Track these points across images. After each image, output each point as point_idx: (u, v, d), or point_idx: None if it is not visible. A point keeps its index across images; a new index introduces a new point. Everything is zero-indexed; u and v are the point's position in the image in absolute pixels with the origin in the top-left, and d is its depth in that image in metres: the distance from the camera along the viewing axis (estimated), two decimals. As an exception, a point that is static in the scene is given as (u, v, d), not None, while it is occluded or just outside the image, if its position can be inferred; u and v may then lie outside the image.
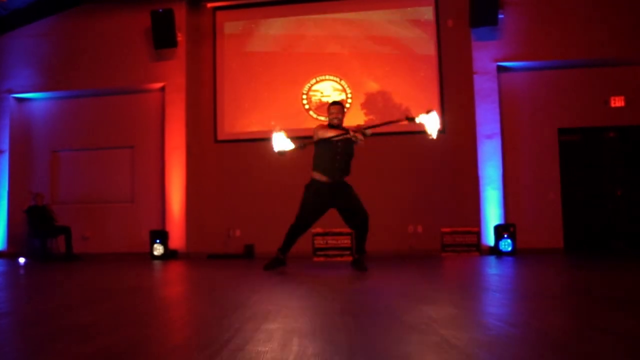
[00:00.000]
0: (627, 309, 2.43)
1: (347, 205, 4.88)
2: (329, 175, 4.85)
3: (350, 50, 8.81)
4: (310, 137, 5.02)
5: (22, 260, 8.00)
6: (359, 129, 4.68)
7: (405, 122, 4.63)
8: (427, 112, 4.39)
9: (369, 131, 4.71)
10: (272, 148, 4.88)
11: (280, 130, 4.82)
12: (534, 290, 3.37)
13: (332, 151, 4.81)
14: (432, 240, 7.97)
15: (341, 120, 4.99)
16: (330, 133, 4.80)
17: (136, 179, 9.14)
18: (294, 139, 4.85)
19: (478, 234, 7.65)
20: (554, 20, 8.10)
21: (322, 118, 8.17)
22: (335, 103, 5.11)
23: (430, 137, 4.37)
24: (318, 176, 4.90)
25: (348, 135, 4.67)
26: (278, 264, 5.01)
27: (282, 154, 4.76)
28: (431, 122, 4.38)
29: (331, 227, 7.18)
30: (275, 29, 9.05)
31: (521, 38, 8.13)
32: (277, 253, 5.06)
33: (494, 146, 8.08)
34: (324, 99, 8.66)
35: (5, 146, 9.24)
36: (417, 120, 4.43)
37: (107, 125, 9.25)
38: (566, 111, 8.18)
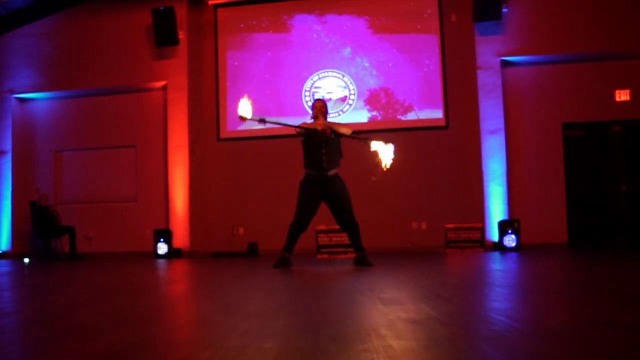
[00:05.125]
0: (631, 303, 2.41)
1: (336, 202, 5.07)
2: (317, 170, 5.05)
3: (353, 46, 8.79)
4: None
5: (26, 260, 8.03)
6: (331, 127, 4.99)
7: (365, 144, 4.90)
8: (386, 142, 4.72)
9: (343, 129, 5.06)
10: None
11: (245, 96, 5.01)
12: (538, 285, 3.36)
13: (317, 147, 5.05)
14: (436, 236, 7.95)
15: (325, 115, 5.24)
16: (307, 127, 5.10)
17: (139, 178, 9.15)
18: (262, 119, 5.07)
19: (482, 230, 7.62)
20: (558, 14, 8.05)
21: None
22: (317, 99, 5.38)
23: (383, 165, 4.69)
24: (308, 171, 5.13)
25: (316, 127, 4.98)
26: (285, 263, 5.09)
27: (242, 119, 4.96)
28: (385, 152, 4.70)
29: (335, 225, 7.18)
30: (276, 26, 9.03)
31: (525, 32, 8.08)
32: (282, 253, 5.13)
33: (498, 141, 8.05)
34: (327, 96, 8.64)
35: (8, 147, 9.26)
36: (373, 147, 4.75)
37: (110, 125, 9.26)
38: (570, 106, 8.14)
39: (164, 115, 9.00)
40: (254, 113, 4.91)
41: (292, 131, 5.22)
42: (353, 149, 7.83)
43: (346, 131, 5.07)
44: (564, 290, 3.05)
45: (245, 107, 4.81)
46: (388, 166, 4.66)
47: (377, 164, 4.70)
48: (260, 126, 8.87)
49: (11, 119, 9.30)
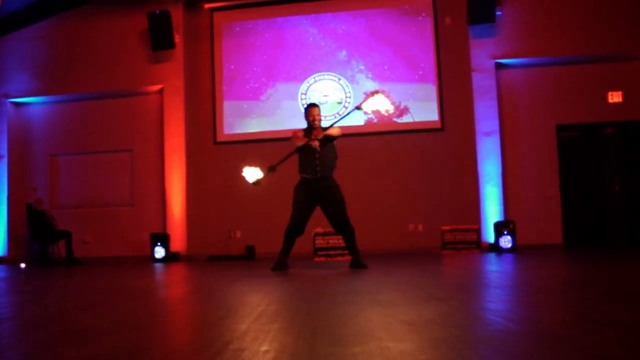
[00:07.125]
0: (626, 302, 2.43)
1: (329, 205, 5.10)
2: (310, 174, 5.10)
3: (349, 49, 8.82)
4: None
5: (22, 265, 7.99)
6: (322, 134, 5.01)
7: (358, 109, 5.13)
8: (373, 94, 4.89)
9: (334, 131, 5.07)
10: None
11: (247, 165, 5.15)
12: (534, 285, 3.38)
13: (311, 154, 5.08)
14: (432, 238, 7.97)
15: (319, 121, 5.23)
16: (300, 141, 5.11)
17: (136, 182, 9.14)
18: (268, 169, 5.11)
19: (478, 231, 7.65)
20: (552, 16, 8.10)
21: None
22: (312, 105, 5.33)
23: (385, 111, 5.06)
24: (302, 175, 5.19)
25: (311, 143, 4.99)
26: (283, 266, 5.11)
27: (256, 184, 5.11)
28: (380, 103, 4.90)
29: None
30: (272, 29, 9.05)
31: (519, 35, 8.13)
32: (279, 256, 5.16)
33: (493, 143, 8.08)
34: (323, 98, 8.66)
35: (4, 151, 9.23)
36: (364, 107, 4.99)
37: (106, 129, 9.25)
38: (564, 107, 8.19)
39: (161, 118, 9.00)
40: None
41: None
42: (352, 149, 7.87)
43: (337, 132, 5.12)
44: (560, 290, 3.07)
45: (251, 173, 5.00)
46: (390, 110, 4.91)
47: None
48: (257, 128, 8.89)
49: (6, 123, 9.28)
